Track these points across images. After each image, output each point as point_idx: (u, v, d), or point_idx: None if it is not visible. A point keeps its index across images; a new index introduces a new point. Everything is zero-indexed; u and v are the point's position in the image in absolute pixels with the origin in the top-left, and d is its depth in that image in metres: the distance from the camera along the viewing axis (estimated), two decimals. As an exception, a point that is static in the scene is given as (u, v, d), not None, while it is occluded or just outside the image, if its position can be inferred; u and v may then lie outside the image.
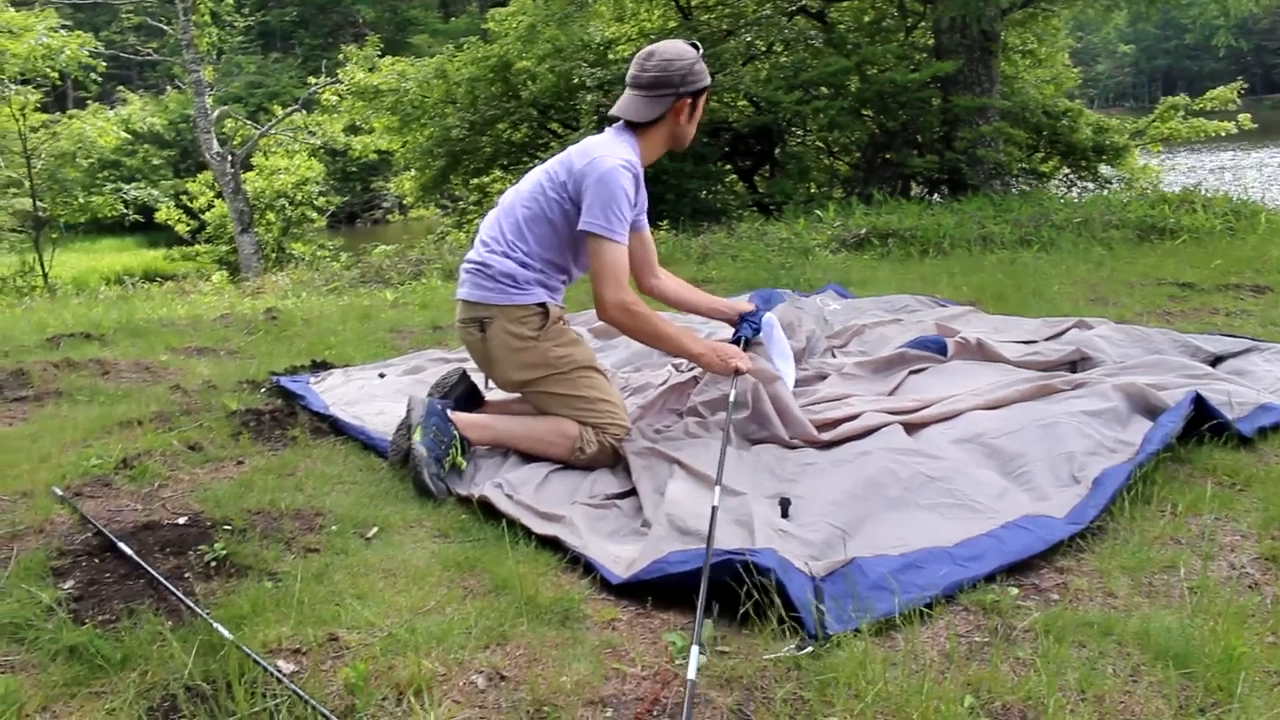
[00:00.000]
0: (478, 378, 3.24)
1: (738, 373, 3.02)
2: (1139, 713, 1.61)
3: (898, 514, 2.29)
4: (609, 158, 2.84)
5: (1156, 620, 1.87)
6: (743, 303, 3.46)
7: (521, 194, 3.01)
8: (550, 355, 2.93)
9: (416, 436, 2.79)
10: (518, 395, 3.12)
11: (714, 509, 2.14)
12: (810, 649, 1.82)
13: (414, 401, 2.92)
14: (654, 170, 11.04)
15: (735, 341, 3.24)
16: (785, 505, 2.30)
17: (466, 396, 3.19)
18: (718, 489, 2.25)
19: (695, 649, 1.65)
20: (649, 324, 2.94)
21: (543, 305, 2.95)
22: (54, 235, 18.08)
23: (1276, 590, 2.02)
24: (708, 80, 2.98)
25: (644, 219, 3.20)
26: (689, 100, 2.96)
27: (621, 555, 2.25)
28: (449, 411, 2.92)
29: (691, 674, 1.62)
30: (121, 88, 25.92)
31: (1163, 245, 7.33)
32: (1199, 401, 2.78)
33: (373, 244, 15.99)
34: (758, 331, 3.29)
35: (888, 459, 2.55)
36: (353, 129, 18.55)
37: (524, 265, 2.94)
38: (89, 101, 19.51)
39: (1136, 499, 2.43)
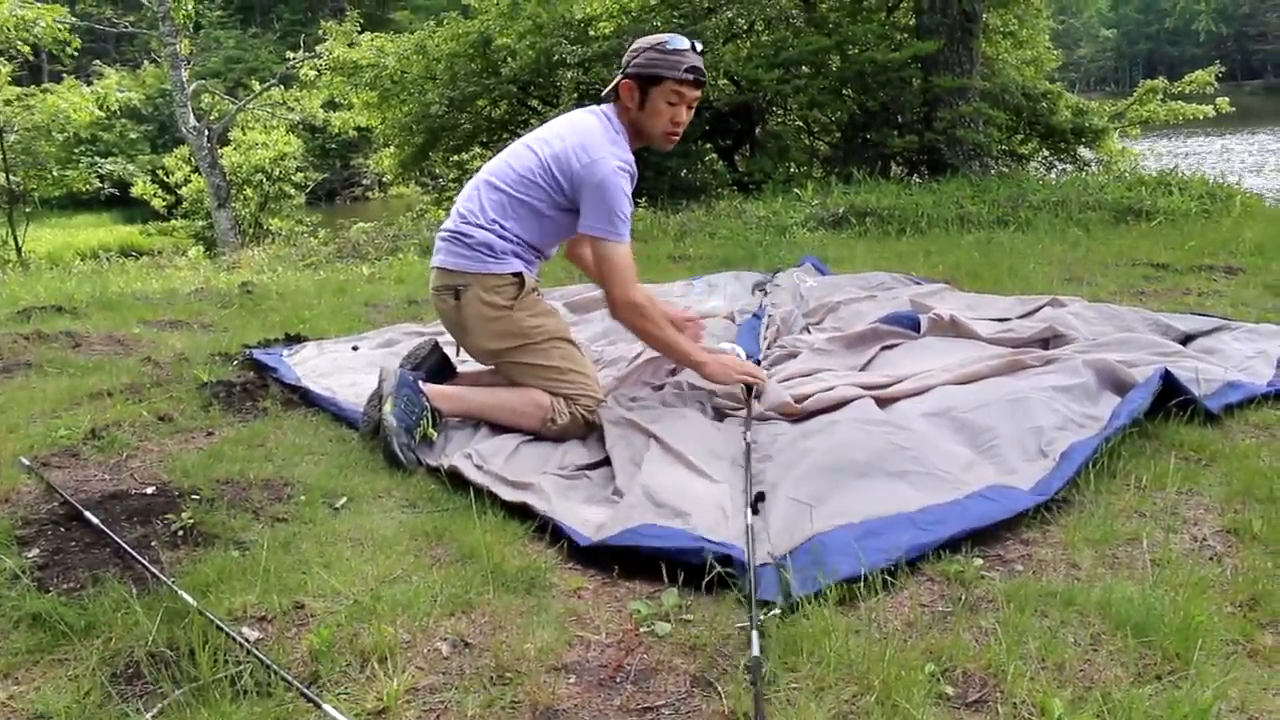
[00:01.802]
0: (449, 349, 3.23)
1: (748, 387, 3.02)
2: (1097, 680, 1.63)
3: (865, 482, 2.30)
4: (608, 159, 2.83)
5: (1118, 590, 1.89)
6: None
7: (510, 172, 2.97)
8: (523, 325, 2.92)
9: (387, 407, 2.78)
10: (490, 367, 3.11)
11: (749, 526, 2.13)
12: (776, 613, 1.83)
13: (385, 373, 2.91)
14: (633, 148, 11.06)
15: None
16: (759, 499, 2.29)
17: (438, 368, 3.17)
18: (747, 510, 2.23)
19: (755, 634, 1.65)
20: (658, 329, 2.95)
21: (518, 275, 2.94)
22: (27, 210, 17.86)
23: (1237, 562, 2.04)
24: (662, 72, 2.88)
25: None
26: (634, 84, 2.91)
27: (591, 519, 2.25)
28: (420, 383, 2.91)
29: (755, 651, 1.67)
30: (98, 61, 25.59)
31: (1139, 227, 7.37)
32: (1167, 377, 2.80)
33: (351, 220, 15.88)
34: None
35: (857, 430, 2.56)
36: (332, 105, 18.38)
37: (501, 238, 2.92)
38: (64, 75, 19.25)
39: (1103, 473, 2.45)
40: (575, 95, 11.22)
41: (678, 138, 3.01)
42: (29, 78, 21.47)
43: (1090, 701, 1.55)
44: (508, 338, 2.93)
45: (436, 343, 3.23)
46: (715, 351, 3.40)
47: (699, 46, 2.95)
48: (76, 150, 20.25)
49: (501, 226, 2.93)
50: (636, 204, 9.75)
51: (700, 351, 3.06)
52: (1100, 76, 74.29)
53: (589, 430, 2.87)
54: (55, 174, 17.69)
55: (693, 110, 2.99)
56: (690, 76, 2.89)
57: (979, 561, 2.05)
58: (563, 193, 2.90)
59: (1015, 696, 1.57)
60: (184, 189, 19.89)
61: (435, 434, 2.85)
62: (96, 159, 19.79)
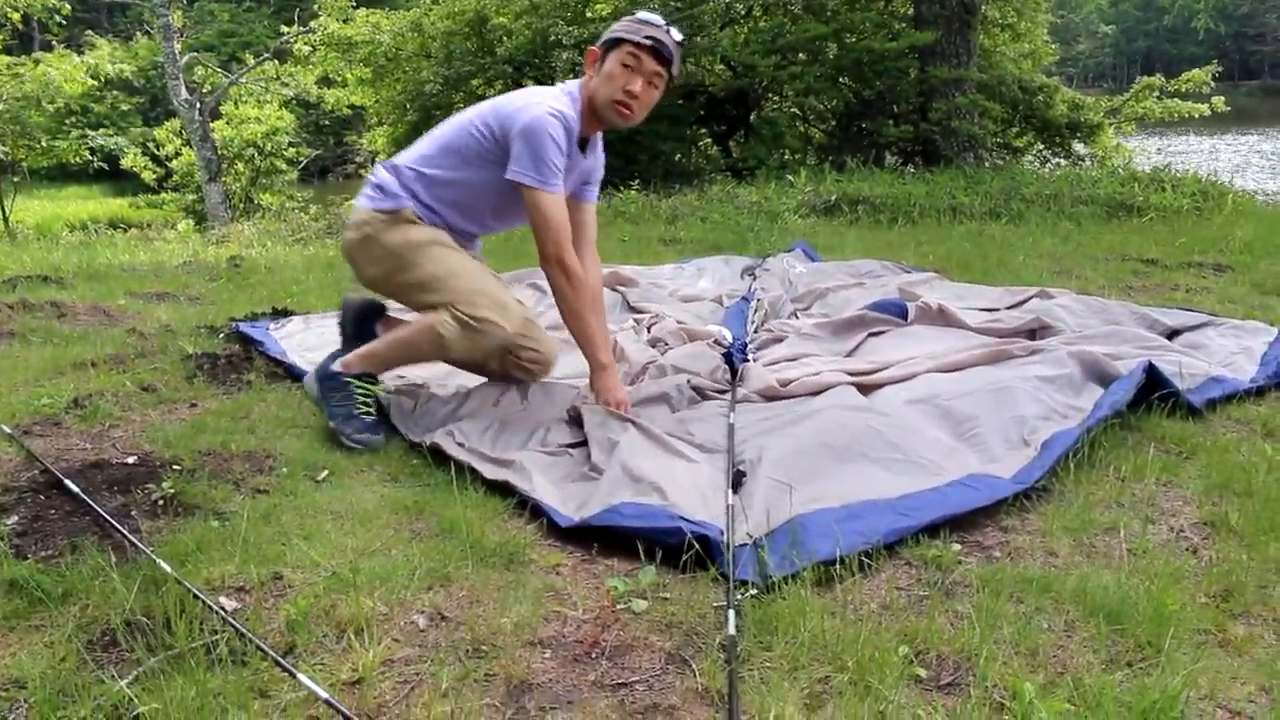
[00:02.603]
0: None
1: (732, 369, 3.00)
2: (1070, 665, 1.64)
3: (845, 467, 2.30)
4: (539, 105, 2.71)
5: (1094, 579, 1.90)
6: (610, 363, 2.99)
7: (446, 126, 2.89)
8: (391, 243, 2.81)
9: (325, 414, 2.81)
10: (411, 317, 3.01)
11: (729, 506, 2.13)
12: (752, 593, 1.84)
13: (307, 387, 2.91)
14: (627, 132, 11.02)
15: (728, 362, 3.19)
16: (739, 478, 2.30)
17: (359, 321, 3.05)
18: (728, 490, 2.22)
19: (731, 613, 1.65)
20: (578, 300, 2.77)
21: (402, 209, 2.84)
22: (15, 180, 17.75)
23: (1213, 554, 2.05)
24: (623, 35, 2.73)
25: (593, 191, 3.05)
26: (598, 50, 2.81)
27: (571, 499, 2.25)
28: (332, 366, 2.88)
29: (730, 629, 1.68)
30: (90, 32, 25.39)
31: (1130, 222, 7.39)
32: (1151, 370, 2.81)
33: (343, 197, 15.81)
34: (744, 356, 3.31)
35: (839, 414, 2.56)
36: (326, 81, 18.29)
37: (403, 184, 2.84)
38: (54, 45, 19.09)
39: (1083, 463, 2.46)
40: (571, 76, 11.15)
41: (629, 112, 2.77)
42: (19, 47, 21.27)
43: (1061, 686, 1.56)
44: (381, 261, 2.84)
45: (347, 299, 3.16)
46: (702, 335, 3.41)
47: (676, 33, 2.80)
48: (67, 121, 20.13)
49: (413, 172, 2.84)
50: (629, 188, 9.73)
51: (608, 354, 2.89)
52: (1098, 73, 74.31)
53: (491, 338, 2.74)
54: (44, 144, 17.58)
55: (655, 90, 2.80)
56: (649, 43, 2.71)
57: (957, 547, 2.06)
58: (493, 137, 2.74)
59: (988, 680, 1.58)
60: (175, 162, 19.73)
61: (383, 393, 2.85)
62: (87, 130, 19.66)
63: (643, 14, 2.78)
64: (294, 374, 3.41)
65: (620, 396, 2.80)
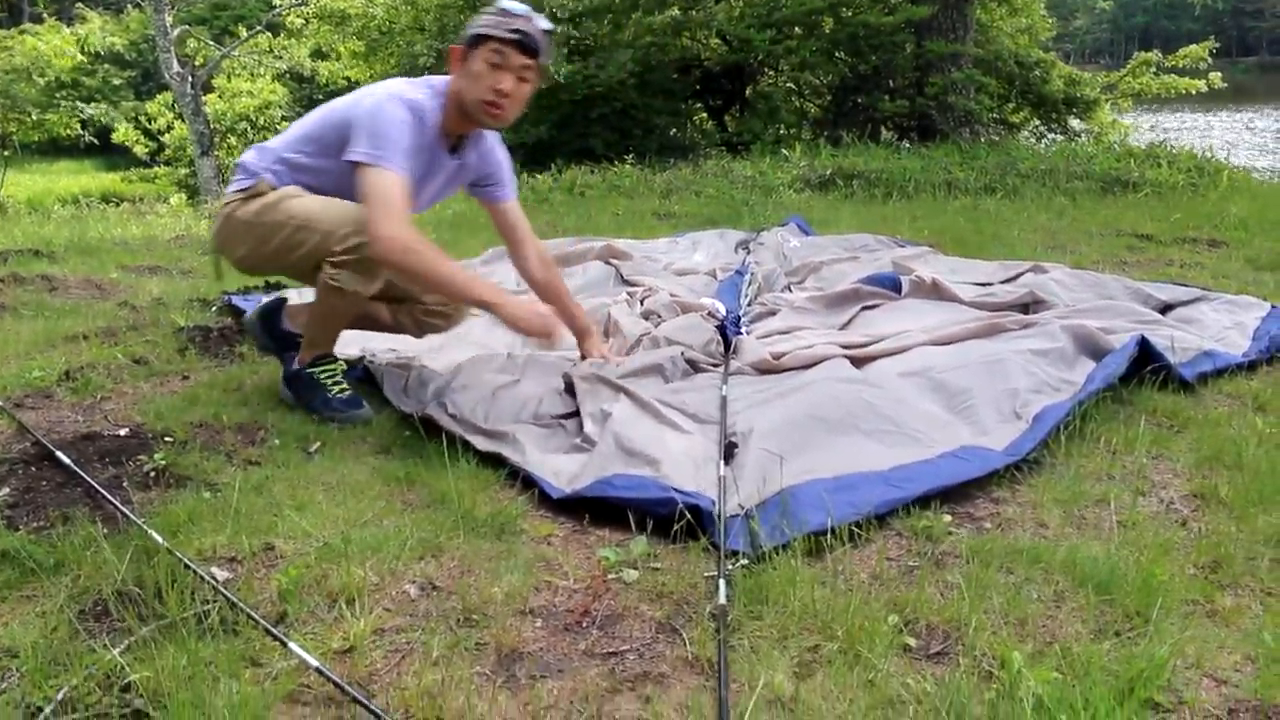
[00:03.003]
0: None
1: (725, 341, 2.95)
2: (1058, 634, 1.65)
3: (837, 439, 2.30)
4: (384, 91, 2.60)
5: (1084, 550, 1.91)
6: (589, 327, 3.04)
7: (317, 111, 2.77)
8: (247, 214, 2.68)
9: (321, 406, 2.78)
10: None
11: (721, 477, 2.13)
12: (743, 564, 1.84)
13: (283, 397, 2.87)
14: (622, 105, 11.00)
15: (721, 334, 3.16)
16: (731, 449, 2.30)
17: (274, 332, 2.96)
18: (720, 461, 2.22)
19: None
20: (430, 264, 2.52)
21: (260, 180, 2.71)
22: (6, 154, 17.64)
23: (1202, 525, 2.06)
24: (486, 31, 2.55)
25: (502, 190, 2.93)
26: (461, 48, 2.63)
27: (564, 470, 2.25)
28: (290, 369, 2.84)
29: (721, 599, 1.68)
30: (80, 4, 25.16)
31: (1125, 198, 7.39)
32: (1144, 344, 2.81)
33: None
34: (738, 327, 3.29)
35: (832, 387, 2.56)
36: (320, 55, 18.16)
37: (263, 163, 2.73)
38: (44, 17, 18.93)
39: (1075, 435, 2.47)
40: (565, 51, 11.11)
41: (500, 111, 2.60)
42: (9, 20, 21.10)
43: (1050, 655, 1.57)
44: (244, 238, 2.72)
45: (245, 323, 3.11)
46: (695, 308, 3.40)
47: (543, 21, 2.61)
48: (58, 94, 19.97)
49: (276, 155, 2.73)
50: (624, 162, 9.70)
51: (493, 290, 2.71)
52: (1096, 49, 74.08)
53: (374, 266, 2.57)
54: (35, 117, 17.45)
55: (527, 84, 2.62)
56: (514, 37, 2.53)
57: (947, 518, 2.06)
58: (342, 124, 2.60)
59: (976, 649, 1.59)
60: (167, 136, 19.64)
61: (344, 366, 2.84)
62: (78, 104, 19.52)
63: (505, 3, 2.59)
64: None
65: (541, 309, 2.69)
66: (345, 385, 2.80)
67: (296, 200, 2.64)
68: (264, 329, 2.95)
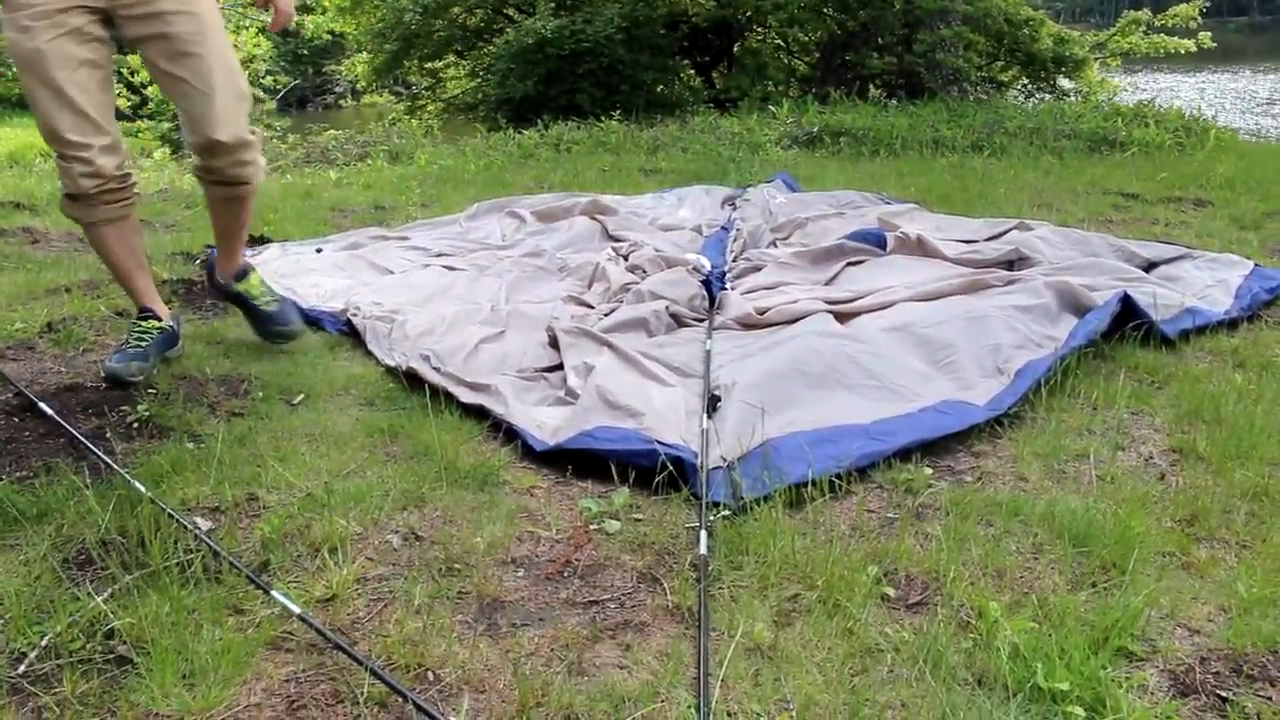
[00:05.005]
0: None
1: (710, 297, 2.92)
2: (1035, 585, 1.66)
3: (819, 392, 2.31)
4: None
5: (1062, 503, 1.93)
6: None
7: None
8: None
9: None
10: None
11: (704, 429, 2.14)
12: (725, 515, 1.85)
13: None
14: (609, 61, 10.89)
15: (706, 289, 3.14)
16: (714, 402, 2.31)
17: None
18: (703, 414, 2.23)
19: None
20: None
21: None
22: (-12, 107, 17.38)
23: (1180, 480, 2.08)
24: None
25: None
26: None
27: (546, 423, 2.26)
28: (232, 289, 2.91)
29: (702, 549, 1.70)
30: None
31: (1112, 157, 7.37)
32: (1126, 301, 2.82)
33: (323, 127, 15.56)
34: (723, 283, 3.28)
35: (815, 341, 2.56)
36: (304, 8, 17.89)
37: None
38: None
39: (1056, 390, 2.48)
40: (552, 4, 10.98)
41: None
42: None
43: (1027, 605, 1.59)
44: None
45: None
46: (680, 263, 3.39)
47: None
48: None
49: None
50: (610, 118, 9.61)
51: None
52: (1085, 7, 73.56)
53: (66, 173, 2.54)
54: (15, 71, 17.19)
55: None
56: None
57: (928, 471, 2.08)
58: None
59: (955, 600, 1.61)
60: (150, 89, 19.34)
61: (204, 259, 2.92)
62: (59, 55, 19.20)
63: None
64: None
65: None
66: (264, 290, 2.88)
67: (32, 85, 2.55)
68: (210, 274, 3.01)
